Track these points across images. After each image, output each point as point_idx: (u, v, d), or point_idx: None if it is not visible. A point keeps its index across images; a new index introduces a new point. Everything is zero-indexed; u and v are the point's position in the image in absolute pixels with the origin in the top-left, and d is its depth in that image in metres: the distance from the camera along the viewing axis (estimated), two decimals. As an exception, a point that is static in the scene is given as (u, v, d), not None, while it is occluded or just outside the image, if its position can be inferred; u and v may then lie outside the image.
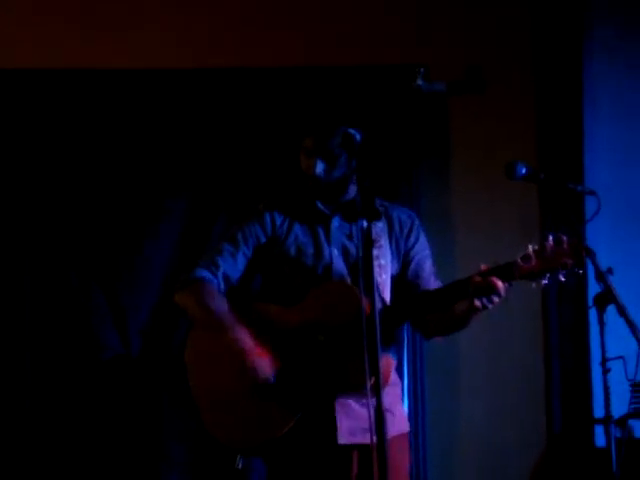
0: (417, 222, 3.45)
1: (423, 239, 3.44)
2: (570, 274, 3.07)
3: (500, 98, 4.86)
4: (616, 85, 4.88)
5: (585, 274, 4.58)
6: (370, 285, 2.90)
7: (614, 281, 3.15)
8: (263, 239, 3.35)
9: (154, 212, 4.68)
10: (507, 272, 3.09)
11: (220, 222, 4.64)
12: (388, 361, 3.17)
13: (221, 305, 3.29)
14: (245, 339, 3.23)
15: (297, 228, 3.35)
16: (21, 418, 4.55)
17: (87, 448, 4.54)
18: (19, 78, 4.68)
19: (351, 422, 3.21)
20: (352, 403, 3.21)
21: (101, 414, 4.55)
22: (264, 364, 3.21)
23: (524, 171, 3.17)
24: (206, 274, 3.33)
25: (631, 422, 4.40)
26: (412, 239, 3.41)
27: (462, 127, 4.86)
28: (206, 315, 3.30)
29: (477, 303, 3.12)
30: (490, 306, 3.13)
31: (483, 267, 3.12)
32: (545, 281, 3.07)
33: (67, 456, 4.54)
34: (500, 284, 3.08)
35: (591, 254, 3.06)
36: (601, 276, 3.13)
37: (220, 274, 3.32)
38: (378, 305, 3.21)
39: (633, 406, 4.34)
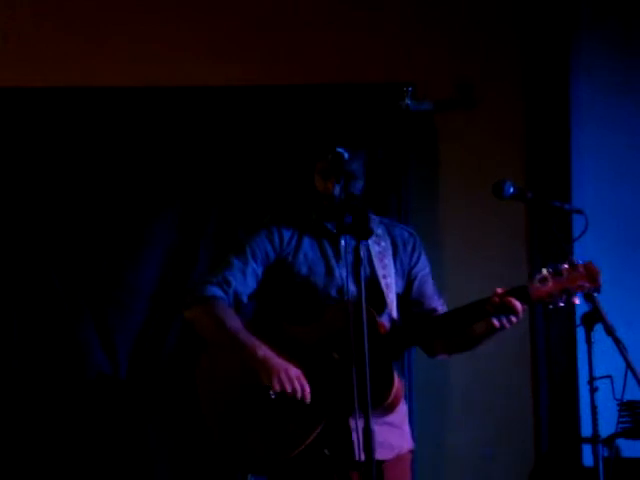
0: (418, 240, 3.46)
1: (424, 257, 3.46)
2: (586, 297, 3.10)
3: (488, 115, 4.87)
4: (604, 103, 4.89)
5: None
6: (363, 300, 2.94)
7: (601, 300, 3.16)
8: (272, 255, 3.32)
9: (140, 232, 4.66)
10: (523, 293, 3.12)
11: (207, 234, 4.63)
12: (401, 382, 3.18)
13: (237, 324, 3.25)
14: (264, 357, 3.19)
15: (306, 243, 3.33)
16: (8, 436, 4.52)
17: (73, 467, 4.51)
18: (8, 95, 4.68)
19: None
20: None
21: (87, 433, 4.52)
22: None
23: (512, 190, 3.18)
24: (218, 292, 3.28)
25: (618, 441, 4.39)
26: (415, 257, 3.42)
27: (450, 144, 4.87)
28: (224, 335, 3.25)
29: (496, 323, 3.14)
30: (508, 326, 3.15)
31: (499, 290, 3.14)
32: (562, 303, 3.10)
33: (52, 474, 4.51)
34: (519, 305, 3.11)
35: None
36: (589, 295, 3.14)
37: (231, 292, 3.29)
38: (387, 325, 3.27)
39: (621, 425, 4.33)
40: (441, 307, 3.41)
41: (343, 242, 3.28)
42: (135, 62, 4.76)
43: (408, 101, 4.70)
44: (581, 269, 3.07)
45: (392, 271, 3.35)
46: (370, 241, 3.24)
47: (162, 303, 4.61)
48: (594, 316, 3.44)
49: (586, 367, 3.94)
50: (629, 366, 3.10)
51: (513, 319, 3.14)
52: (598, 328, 3.76)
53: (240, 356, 3.23)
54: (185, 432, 4.44)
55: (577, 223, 3.23)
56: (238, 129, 4.72)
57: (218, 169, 4.71)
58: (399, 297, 3.38)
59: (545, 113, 4.87)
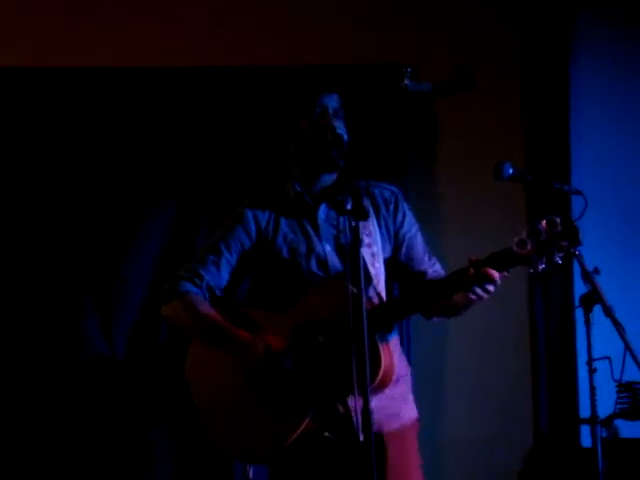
0: (401, 198, 3.37)
1: (410, 214, 3.37)
2: (567, 256, 2.98)
3: (488, 97, 4.86)
4: (603, 85, 4.89)
5: (571, 274, 4.66)
6: (360, 286, 2.86)
7: (600, 281, 3.16)
8: (248, 243, 3.29)
9: (137, 226, 4.65)
10: (503, 259, 3.01)
11: (204, 230, 4.62)
12: (392, 357, 3.13)
13: (213, 316, 3.25)
14: (246, 345, 3.19)
15: (284, 224, 3.28)
16: (6, 418, 4.53)
17: (71, 448, 4.52)
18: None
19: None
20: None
21: (85, 414, 4.53)
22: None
23: (511, 172, 3.18)
24: (190, 287, 3.28)
25: (617, 422, 4.40)
26: (399, 216, 3.34)
27: (450, 127, 4.86)
28: (201, 328, 3.26)
29: (472, 297, 3.06)
30: (486, 296, 3.05)
31: (473, 258, 3.03)
32: (543, 265, 2.98)
33: (51, 455, 4.52)
34: (496, 274, 3.00)
35: (577, 255, 3.06)
36: (587, 276, 3.14)
37: (204, 285, 3.28)
38: (375, 300, 3.22)
39: (619, 406, 4.35)
40: (431, 269, 3.34)
41: (322, 215, 3.26)
42: (128, 45, 4.74)
43: (407, 82, 4.70)
44: (559, 227, 2.95)
45: (378, 237, 3.28)
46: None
47: (157, 295, 4.60)
48: (593, 297, 3.45)
49: (585, 348, 3.95)
50: (627, 347, 3.10)
51: (490, 288, 3.04)
52: (597, 309, 3.77)
53: (223, 344, 3.23)
54: (183, 421, 4.44)
55: (576, 204, 3.22)
56: (235, 116, 4.69)
57: (215, 162, 4.68)
58: (388, 261, 3.31)
59: (544, 94, 4.86)
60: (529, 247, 2.97)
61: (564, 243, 2.95)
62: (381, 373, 3.07)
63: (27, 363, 4.56)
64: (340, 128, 3.22)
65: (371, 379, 3.00)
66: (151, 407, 4.56)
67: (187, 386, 3.33)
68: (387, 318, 3.14)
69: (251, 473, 3.33)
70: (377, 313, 3.11)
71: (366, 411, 2.86)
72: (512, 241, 2.99)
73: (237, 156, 4.69)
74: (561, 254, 2.96)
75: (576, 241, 2.96)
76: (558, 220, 2.96)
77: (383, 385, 3.10)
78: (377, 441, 3.07)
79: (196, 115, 4.70)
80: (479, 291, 3.04)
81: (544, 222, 2.96)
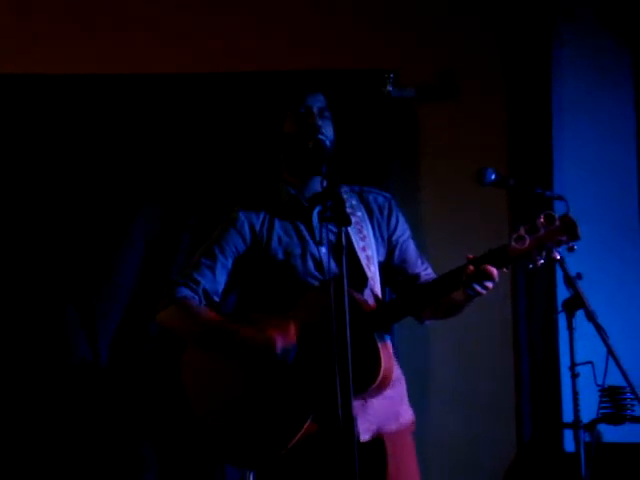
0: (394, 203, 3.40)
1: (402, 220, 3.40)
2: (566, 250, 3.01)
3: (470, 102, 4.87)
4: (585, 91, 4.91)
5: (554, 279, 4.67)
6: (344, 289, 2.84)
7: (583, 286, 3.17)
8: (242, 247, 3.28)
9: (122, 225, 4.64)
10: (501, 256, 3.03)
11: (189, 228, 4.62)
12: (391, 359, 3.14)
13: (212, 318, 3.23)
14: (254, 340, 3.16)
15: (278, 227, 3.28)
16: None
17: (57, 454, 4.51)
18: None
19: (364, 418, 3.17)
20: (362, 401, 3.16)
21: (70, 420, 4.52)
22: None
23: (494, 177, 3.19)
24: (187, 292, 3.26)
25: (600, 427, 4.41)
26: (393, 221, 3.36)
27: (432, 132, 4.87)
28: (201, 331, 3.24)
29: (471, 293, 3.07)
30: (484, 293, 3.08)
31: (471, 256, 3.06)
32: (542, 260, 3.01)
33: (36, 462, 4.51)
34: (495, 271, 3.03)
35: (560, 259, 3.07)
36: (570, 281, 3.14)
37: (200, 290, 3.25)
38: (370, 301, 3.22)
39: (602, 411, 4.35)
40: (424, 272, 3.36)
41: (316, 218, 3.26)
42: (116, 51, 4.74)
43: (390, 87, 4.70)
44: (557, 222, 2.99)
45: (372, 241, 3.30)
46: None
47: (143, 296, 4.60)
48: (576, 302, 3.44)
49: (567, 353, 3.95)
50: (610, 352, 3.11)
51: (489, 285, 3.06)
52: (579, 314, 3.77)
53: (225, 344, 3.21)
54: (169, 427, 4.44)
55: (558, 210, 3.23)
56: (220, 118, 4.70)
57: (200, 161, 4.69)
58: (382, 265, 3.33)
59: (527, 100, 4.87)
60: (528, 242, 2.99)
61: (563, 238, 2.99)
62: (381, 374, 3.08)
63: (11, 369, 4.54)
64: (325, 128, 3.23)
65: (371, 379, 3.05)
66: (136, 412, 4.54)
67: (175, 391, 3.31)
68: (386, 318, 3.15)
69: (251, 478, 3.32)
70: (377, 313, 3.13)
71: (348, 414, 2.83)
72: (510, 237, 3.02)
73: (222, 160, 4.69)
74: (559, 249, 3.00)
75: (575, 235, 2.99)
76: (556, 215, 3.00)
77: (384, 385, 3.11)
78: (376, 443, 3.14)
79: (183, 120, 4.70)
80: (478, 288, 3.06)
81: (542, 218, 2.99)
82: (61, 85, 4.68)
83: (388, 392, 3.17)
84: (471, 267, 3.04)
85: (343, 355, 2.82)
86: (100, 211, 4.65)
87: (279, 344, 3.13)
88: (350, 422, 2.82)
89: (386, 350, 3.12)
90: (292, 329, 3.15)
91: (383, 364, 3.08)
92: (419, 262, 3.38)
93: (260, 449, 3.16)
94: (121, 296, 4.63)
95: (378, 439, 3.18)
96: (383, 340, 3.12)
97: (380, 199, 3.38)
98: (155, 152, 4.69)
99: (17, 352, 4.55)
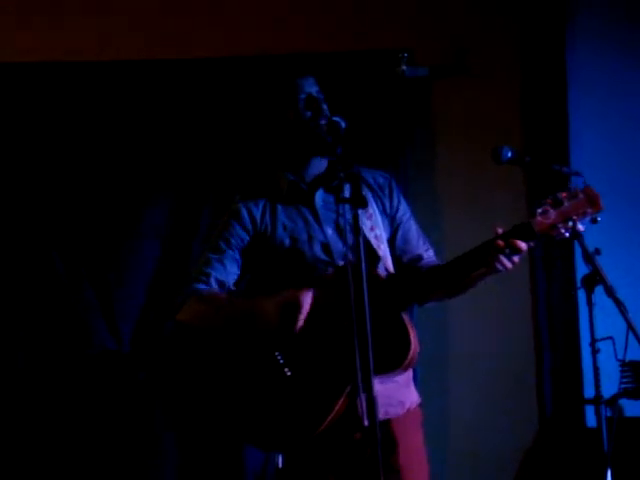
0: (394, 182, 3.38)
1: (403, 200, 3.38)
2: (590, 222, 3.04)
3: (485, 80, 4.85)
4: (601, 65, 4.88)
5: (572, 256, 4.66)
6: (362, 272, 2.82)
7: (602, 262, 3.16)
8: (246, 238, 3.27)
9: (138, 213, 4.66)
10: (527, 230, 3.05)
11: (206, 214, 4.62)
12: (416, 339, 3.12)
13: (233, 298, 3.22)
14: (277, 301, 3.13)
15: (281, 214, 3.26)
16: (12, 414, 4.54)
17: (78, 443, 4.53)
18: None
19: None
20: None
21: (92, 409, 4.54)
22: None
23: (510, 155, 3.18)
24: (200, 286, 3.24)
25: (621, 402, 4.41)
26: (395, 201, 3.35)
27: (446, 110, 4.86)
28: (224, 313, 3.22)
29: (500, 267, 3.07)
30: (511, 267, 3.08)
31: (500, 230, 3.07)
32: (567, 234, 3.03)
33: (58, 451, 4.54)
34: (524, 245, 3.04)
35: (578, 235, 3.07)
36: (589, 257, 3.14)
37: (212, 280, 3.24)
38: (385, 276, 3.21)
39: (623, 386, 4.35)
40: (425, 253, 3.35)
41: (320, 201, 3.25)
42: (116, 37, 4.74)
43: (404, 67, 4.69)
44: (581, 195, 3.02)
45: (379, 219, 3.28)
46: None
47: (162, 282, 4.61)
48: (594, 278, 3.44)
49: (588, 329, 3.95)
50: (630, 327, 3.10)
51: (516, 259, 3.08)
52: (599, 290, 3.77)
53: (253, 318, 3.17)
54: (190, 413, 4.44)
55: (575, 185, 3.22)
56: (231, 109, 4.68)
57: (216, 151, 4.69)
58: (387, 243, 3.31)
59: (542, 76, 4.85)
60: (553, 216, 3.02)
61: (588, 210, 3.02)
62: (411, 353, 3.08)
63: (33, 359, 4.57)
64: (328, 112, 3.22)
65: (402, 359, 3.05)
66: (158, 398, 4.56)
67: (195, 375, 3.30)
68: (413, 295, 3.16)
69: (280, 462, 3.30)
70: (402, 290, 3.12)
71: (370, 396, 2.82)
72: (535, 211, 3.04)
73: (233, 148, 4.67)
74: (583, 221, 3.02)
75: (598, 206, 3.02)
76: (579, 188, 3.04)
77: (410, 366, 3.11)
78: (384, 428, 3.06)
79: (194, 107, 4.70)
80: (506, 262, 3.06)
81: (565, 192, 3.03)
82: (76, 73, 4.68)
83: (397, 377, 3.17)
84: (500, 242, 3.05)
85: (366, 335, 2.80)
86: (115, 195, 4.66)
87: (304, 297, 3.10)
88: (372, 403, 2.81)
89: (413, 330, 3.11)
90: (309, 295, 3.13)
91: (412, 345, 3.08)
92: (420, 242, 3.36)
93: (292, 432, 3.14)
94: (141, 279, 4.64)
95: (385, 424, 3.12)
96: (410, 320, 3.13)
97: (380, 179, 3.36)
98: (172, 141, 4.69)
99: (38, 340, 4.57)
